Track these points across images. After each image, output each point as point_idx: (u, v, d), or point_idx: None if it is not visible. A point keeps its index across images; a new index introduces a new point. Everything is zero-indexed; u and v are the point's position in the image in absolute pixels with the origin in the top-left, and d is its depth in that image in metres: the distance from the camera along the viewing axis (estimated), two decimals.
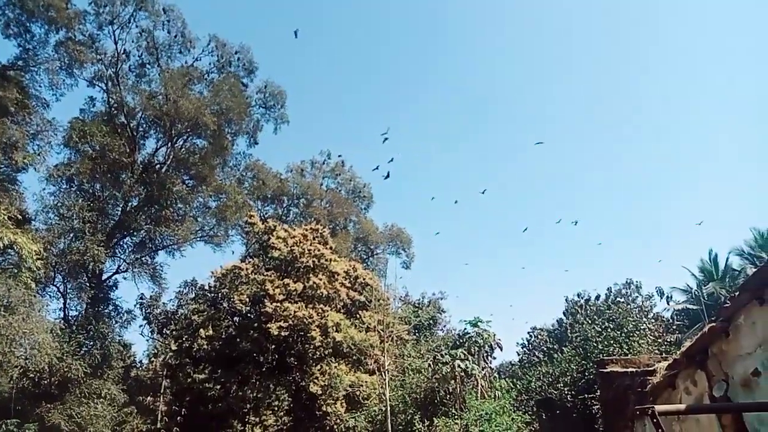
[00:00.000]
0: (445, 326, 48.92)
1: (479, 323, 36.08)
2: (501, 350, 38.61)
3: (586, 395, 30.78)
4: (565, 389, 33.26)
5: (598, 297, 42.85)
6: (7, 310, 24.16)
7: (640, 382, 10.35)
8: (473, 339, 35.52)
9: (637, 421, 9.88)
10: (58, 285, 34.27)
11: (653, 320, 36.76)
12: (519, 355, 49.01)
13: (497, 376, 38.37)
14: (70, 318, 33.95)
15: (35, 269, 26.27)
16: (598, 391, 18.80)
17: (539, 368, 37.32)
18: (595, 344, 33.48)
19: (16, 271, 25.66)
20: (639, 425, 9.89)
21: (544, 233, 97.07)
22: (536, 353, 44.25)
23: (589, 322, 36.86)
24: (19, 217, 27.62)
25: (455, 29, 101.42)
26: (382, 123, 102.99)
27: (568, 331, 40.77)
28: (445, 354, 33.52)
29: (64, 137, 35.88)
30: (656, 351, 30.15)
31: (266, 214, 46.93)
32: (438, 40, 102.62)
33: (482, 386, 33.50)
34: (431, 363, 33.93)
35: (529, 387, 35.73)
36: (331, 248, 38.21)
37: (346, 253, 43.95)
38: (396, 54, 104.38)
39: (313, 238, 37.50)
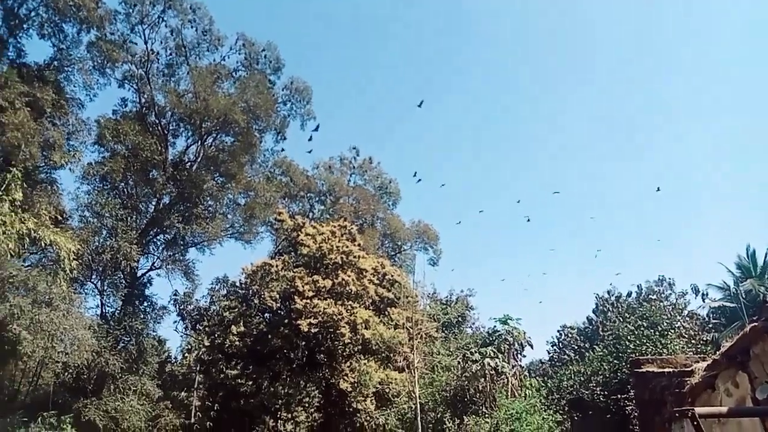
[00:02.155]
0: (473, 324, 48.79)
1: (509, 321, 35.91)
2: (532, 348, 38.41)
3: (619, 395, 30.41)
4: (597, 389, 32.90)
5: (629, 294, 42.21)
6: (48, 307, 24.75)
7: (677, 382, 10.19)
8: (503, 337, 35.39)
9: (675, 423, 9.69)
10: (95, 282, 34.99)
11: (688, 318, 36.13)
12: (549, 353, 48.67)
13: (527, 374, 38.17)
14: (107, 314, 34.66)
15: (72, 268, 26.81)
16: (633, 391, 18.50)
17: (570, 367, 36.99)
18: (627, 343, 33.02)
19: (55, 268, 26.18)
20: (677, 427, 9.71)
21: (572, 230, 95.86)
22: (567, 352, 43.83)
23: (621, 320, 36.36)
24: (58, 216, 28.20)
25: (483, 25, 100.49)
26: (409, 119, 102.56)
27: (599, 329, 40.31)
28: (475, 352, 33.45)
29: (97, 136, 36.46)
30: (692, 350, 29.62)
31: (294, 210, 47.15)
32: (467, 35, 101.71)
33: (512, 385, 33.36)
34: (461, 361, 33.87)
35: (560, 386, 35.43)
36: (358, 245, 38.28)
37: (374, 249, 43.98)
38: (425, 49, 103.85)
39: (341, 235, 37.62)
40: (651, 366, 11.44)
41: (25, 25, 32.43)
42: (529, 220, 53.20)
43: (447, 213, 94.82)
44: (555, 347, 47.61)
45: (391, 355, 35.53)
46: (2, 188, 23.77)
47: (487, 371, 32.37)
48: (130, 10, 38.17)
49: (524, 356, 39.19)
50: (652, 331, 32.82)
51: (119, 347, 32.20)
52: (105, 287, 34.98)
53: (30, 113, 27.80)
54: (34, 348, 24.24)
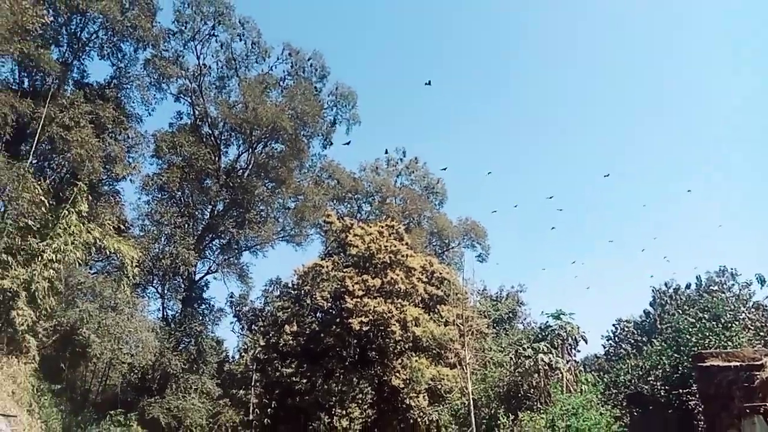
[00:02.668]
0: (525, 319, 48.14)
1: (562, 316, 35.22)
2: (586, 343, 37.49)
3: (681, 390, 29.30)
4: (657, 383, 31.78)
5: (688, 286, 40.48)
6: (114, 311, 26.41)
7: (745, 377, 9.77)
8: (556, 332, 34.75)
9: (746, 419, 9.37)
10: (156, 286, 37.02)
11: (753, 309, 34.29)
12: (605, 347, 47.34)
13: (582, 369, 37.27)
14: (168, 317, 36.53)
15: (135, 274, 28.46)
16: (696, 385, 17.81)
17: (627, 361, 35.88)
18: (688, 336, 31.74)
19: (119, 275, 27.89)
20: (747, 423, 9.37)
21: (625, 217, 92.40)
22: (623, 346, 42.49)
23: (680, 312, 34.95)
24: (120, 225, 30.00)
25: (526, 25, 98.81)
26: (453, 117, 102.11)
27: (657, 322, 38.89)
28: (528, 347, 33.05)
29: (155, 149, 38.48)
30: (759, 343, 28.19)
31: (341, 212, 48.08)
32: (510, 34, 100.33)
33: (567, 380, 32.67)
34: (513, 357, 33.56)
35: (617, 381, 34.43)
36: (406, 244, 38.63)
37: (421, 248, 44.22)
38: (467, 49, 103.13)
39: (389, 235, 38.09)
40: (715, 360, 11.11)
41: (86, 48, 34.56)
42: (560, 210, 50.92)
43: (494, 207, 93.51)
44: (611, 341, 46.26)
45: (443, 351, 35.63)
46: (70, 201, 25.67)
47: (540, 367, 31.91)
48: (183, 28, 40.09)
49: (578, 351, 38.35)
50: (714, 323, 31.43)
51: (180, 348, 33.89)
52: (165, 291, 36.95)
53: (93, 130, 29.72)
54: (102, 350, 25.89)
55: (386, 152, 52.38)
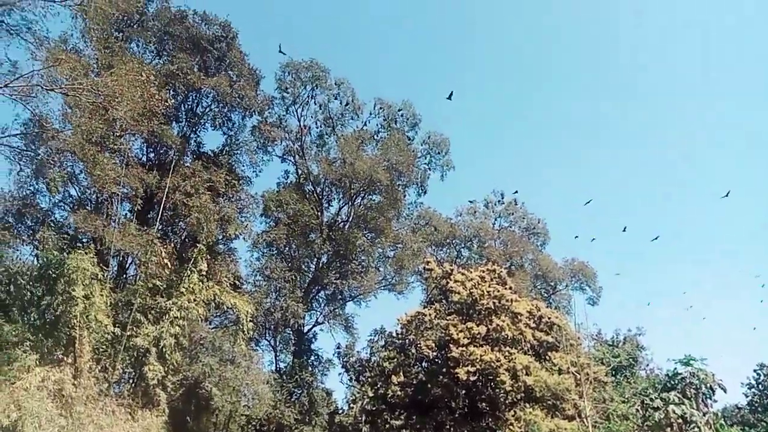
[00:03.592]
0: (647, 365, 44.33)
1: (692, 361, 32.07)
2: (725, 392, 33.66)
3: None
4: None
5: None
6: (232, 364, 27.82)
7: None
8: (687, 380, 31.64)
9: None
10: (268, 339, 38.67)
11: None
12: (747, 396, 42.03)
13: (723, 423, 33.36)
14: (280, 369, 37.81)
15: (249, 328, 29.94)
16: None
17: None
18: None
19: (235, 329, 29.47)
20: None
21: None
22: None
23: None
24: (235, 282, 31.94)
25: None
26: (548, 157, 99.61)
27: None
28: (656, 398, 30.38)
29: (263, 208, 40.96)
30: None
31: (441, 258, 47.88)
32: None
33: None
34: (639, 408, 30.90)
35: None
36: (510, 288, 37.38)
37: (526, 292, 42.64)
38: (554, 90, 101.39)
39: (491, 279, 37.10)
40: None
41: (201, 120, 38.08)
42: (624, 230, 46.03)
43: (605, 250, 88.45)
44: (753, 390, 40.97)
45: (558, 402, 33.42)
46: (192, 262, 27.86)
47: (673, 420, 29.15)
48: (285, 93, 43.37)
49: (715, 401, 34.45)
50: None
51: (292, 399, 34.76)
52: (277, 344, 38.46)
53: (209, 195, 32.31)
54: (223, 403, 27.26)
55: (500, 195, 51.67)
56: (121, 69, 25.46)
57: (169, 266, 26.67)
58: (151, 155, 34.34)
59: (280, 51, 37.89)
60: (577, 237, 48.06)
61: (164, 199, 29.35)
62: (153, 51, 34.36)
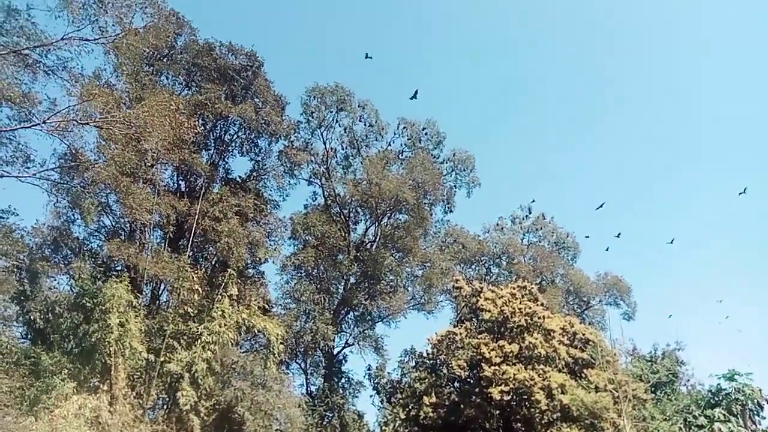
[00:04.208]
0: (688, 381, 42.75)
1: (736, 376, 30.84)
2: None
3: None
4: None
5: None
6: (264, 388, 27.94)
7: None
8: (732, 396, 30.42)
9: None
10: (299, 362, 38.72)
11: None
12: None
13: None
14: (311, 392, 37.76)
15: (280, 351, 30.10)
16: None
17: None
18: None
19: (266, 353, 29.65)
20: None
21: None
22: None
23: None
24: (265, 306, 32.22)
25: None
26: (573, 169, 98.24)
27: None
28: (700, 415, 29.28)
29: (292, 231, 41.39)
30: None
31: (470, 276, 47.48)
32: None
33: None
34: (682, 426, 29.77)
35: None
36: (542, 305, 36.75)
37: (558, 308, 41.90)
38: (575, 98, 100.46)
39: (522, 296, 36.56)
40: None
41: (229, 147, 38.87)
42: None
43: (636, 258, 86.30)
44: None
45: (596, 422, 32.45)
46: (222, 287, 28.29)
47: None
48: (310, 118, 44.04)
49: (764, 418, 32.90)
50: None
51: (324, 423, 34.61)
52: (307, 366, 38.45)
53: (238, 220, 32.86)
54: (255, 427, 27.31)
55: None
56: (151, 100, 26.30)
57: (200, 291, 27.15)
58: (182, 183, 35.13)
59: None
60: (608, 249, 46.83)
61: (194, 225, 29.95)
62: (182, 82, 35.38)
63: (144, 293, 28.72)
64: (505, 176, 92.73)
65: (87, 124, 23.58)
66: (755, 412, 30.61)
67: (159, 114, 25.32)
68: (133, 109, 26.60)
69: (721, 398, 30.58)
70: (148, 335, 25.21)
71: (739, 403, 29.70)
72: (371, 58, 34.71)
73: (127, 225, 30.52)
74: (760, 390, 30.12)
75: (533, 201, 50.40)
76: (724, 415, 28.46)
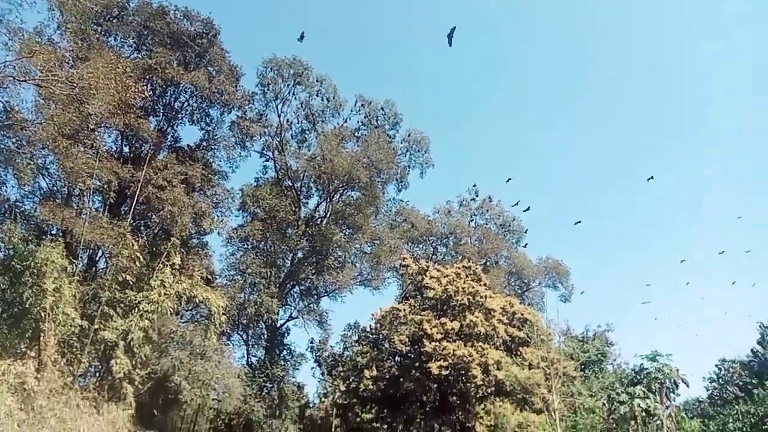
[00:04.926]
0: (615, 361, 45.22)
1: (658, 357, 32.75)
2: (687, 386, 34.45)
3: None
4: None
5: None
6: (203, 358, 27.91)
7: None
8: (653, 375, 32.29)
9: None
10: (240, 334, 38.71)
11: None
12: (708, 390, 43.08)
13: (684, 416, 34.13)
14: (252, 363, 37.90)
15: (222, 322, 30.02)
16: None
17: (736, 407, 32.44)
18: None
19: (207, 323, 29.55)
20: None
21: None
22: (729, 389, 38.48)
23: None
24: (209, 276, 31.96)
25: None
26: (528, 154, 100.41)
27: None
28: (622, 392, 30.97)
29: (240, 203, 40.94)
30: None
31: (417, 255, 48.31)
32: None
33: (668, 427, 30.10)
34: (606, 402, 31.52)
35: (724, 429, 31.19)
36: (485, 285, 37.97)
37: (500, 288, 43.25)
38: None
39: (466, 276, 37.65)
40: None
41: (179, 115, 37.88)
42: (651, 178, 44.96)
43: (575, 245, 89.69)
44: (714, 384, 41.96)
45: (528, 396, 34.07)
46: (164, 256, 27.86)
47: (637, 413, 29.69)
48: (266, 90, 43.24)
49: (678, 395, 35.22)
50: None
51: (263, 394, 34.87)
52: (249, 338, 38.49)
53: (184, 189, 32.26)
54: (192, 396, 27.34)
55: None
56: (97, 61, 25.30)
57: (141, 259, 26.60)
58: (126, 148, 34.14)
59: (299, 40, 35.24)
60: (579, 222, 47.15)
61: (137, 192, 29.26)
62: (132, 45, 34.13)
63: (81, 259, 28.03)
64: (487, 154, 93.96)
65: (25, 81, 22.61)
66: (671, 390, 32.66)
67: (105, 76, 24.42)
68: (77, 69, 25.66)
69: (642, 377, 32.40)
70: (83, 302, 24.65)
71: (658, 381, 31.55)
72: (302, 40, 33.91)
73: (65, 188, 29.53)
74: (677, 370, 32.08)
75: (509, 180, 50.45)
76: (643, 392, 30.15)
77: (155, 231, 32.55)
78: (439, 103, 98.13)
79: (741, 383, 37.13)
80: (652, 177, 35.47)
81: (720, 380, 42.03)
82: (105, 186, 29.00)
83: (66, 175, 27.12)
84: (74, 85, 23.56)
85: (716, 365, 43.11)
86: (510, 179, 38.98)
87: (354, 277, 43.28)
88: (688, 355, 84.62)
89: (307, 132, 45.86)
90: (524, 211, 38.69)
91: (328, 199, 44.63)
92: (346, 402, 36.73)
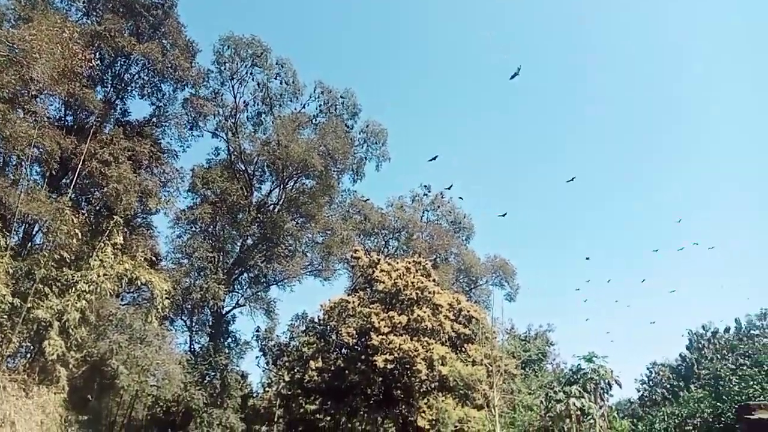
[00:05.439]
0: (554, 360, 46.81)
1: (594, 359, 34.16)
2: (620, 388, 36.13)
3: None
4: None
5: (727, 329, 38.72)
6: (142, 343, 26.78)
7: None
8: (588, 375, 33.67)
9: None
10: (184, 319, 37.45)
11: None
12: (639, 392, 45.42)
13: (616, 415, 35.79)
14: (195, 350, 36.78)
15: (165, 306, 28.88)
16: None
17: (663, 408, 34.29)
18: (729, 384, 30.21)
19: (149, 306, 28.34)
20: None
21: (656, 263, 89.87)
22: (658, 390, 40.70)
23: (719, 357, 33.41)
24: (153, 258, 30.63)
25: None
26: (476, 153, 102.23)
27: (695, 366, 37.15)
28: (559, 391, 32.13)
29: (190, 184, 39.49)
30: None
31: (369, 247, 48.25)
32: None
33: (600, 426, 31.45)
34: (543, 400, 32.60)
35: (652, 428, 32.92)
36: (433, 280, 38.30)
37: (449, 285, 43.79)
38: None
39: (416, 271, 37.86)
40: (764, 412, 10.71)
41: (129, 88, 36.08)
42: (588, 258, 48.16)
43: (522, 244, 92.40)
44: (645, 386, 44.31)
45: (470, 392, 34.75)
46: (106, 234, 26.45)
47: (572, 412, 30.89)
48: (222, 68, 41.68)
49: (611, 396, 36.94)
50: (756, 370, 29.85)
51: (205, 382, 33.94)
52: (193, 324, 37.32)
53: (130, 165, 30.75)
54: (129, 382, 26.21)
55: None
56: (41, 23, 23.75)
57: (80, 237, 25.11)
58: (70, 119, 32.21)
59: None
60: (504, 214, 47.83)
61: (80, 165, 27.63)
62: (81, 9, 32.10)
63: (16, 233, 26.23)
64: (417, 154, 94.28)
65: None
66: (605, 390, 34.20)
67: (49, 39, 23.01)
68: (19, 29, 23.97)
69: (579, 377, 33.76)
70: (15, 278, 23.07)
71: (593, 382, 32.94)
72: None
73: (1, 156, 27.56)
74: (611, 371, 33.60)
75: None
76: (579, 391, 31.41)
77: (97, 208, 30.88)
78: (402, 97, 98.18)
79: (669, 386, 39.30)
80: (573, 178, 36.93)
81: (650, 382, 44.36)
82: (45, 156, 27.21)
83: (3, 141, 25.29)
84: (14, 45, 22.13)
85: (647, 368, 45.55)
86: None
87: (304, 266, 42.72)
88: (624, 356, 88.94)
89: (264, 115, 44.72)
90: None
91: (282, 186, 43.76)
92: (290, 392, 36.29)
